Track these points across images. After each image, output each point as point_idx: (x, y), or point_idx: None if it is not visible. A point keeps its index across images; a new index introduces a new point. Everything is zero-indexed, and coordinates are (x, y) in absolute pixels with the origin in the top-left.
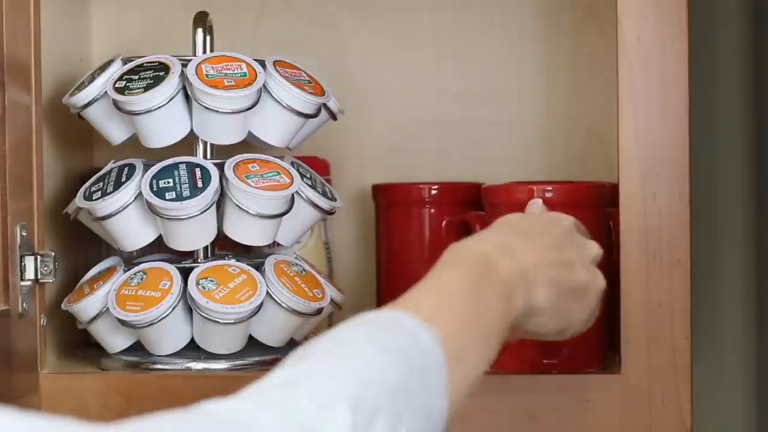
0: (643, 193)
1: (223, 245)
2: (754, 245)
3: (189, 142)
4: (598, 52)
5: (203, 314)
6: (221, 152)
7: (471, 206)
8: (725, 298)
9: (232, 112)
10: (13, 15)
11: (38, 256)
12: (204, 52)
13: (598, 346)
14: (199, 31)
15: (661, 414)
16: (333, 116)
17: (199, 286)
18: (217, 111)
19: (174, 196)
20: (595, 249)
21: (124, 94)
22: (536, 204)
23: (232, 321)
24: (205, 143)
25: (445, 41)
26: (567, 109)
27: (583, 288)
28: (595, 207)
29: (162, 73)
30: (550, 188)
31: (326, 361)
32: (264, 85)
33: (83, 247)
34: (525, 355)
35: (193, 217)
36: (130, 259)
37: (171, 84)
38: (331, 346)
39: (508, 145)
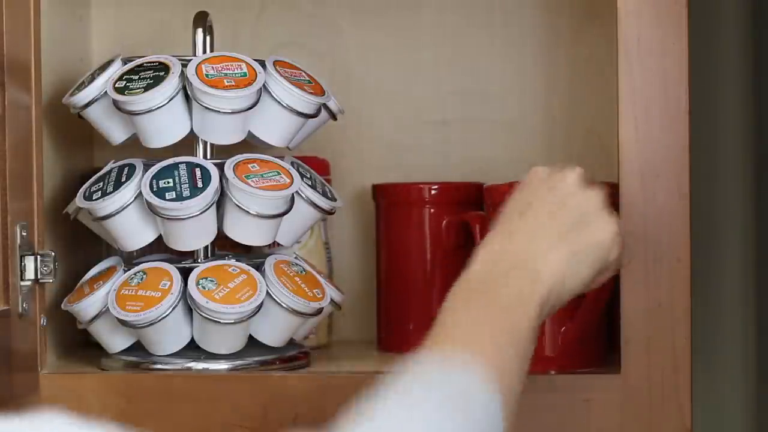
0: (643, 193)
1: (223, 245)
2: (754, 245)
3: (189, 142)
4: (598, 52)
5: (203, 314)
6: (221, 152)
7: (471, 206)
8: (725, 298)
9: (232, 112)
10: (13, 15)
11: (38, 256)
12: (204, 52)
13: (598, 346)
14: (199, 31)
15: (661, 414)
16: (333, 116)
17: (199, 286)
18: (217, 111)
19: (174, 196)
20: (597, 196)
21: (124, 94)
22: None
23: (232, 321)
24: (205, 143)
25: (445, 41)
26: (567, 109)
27: (578, 216)
28: None
29: (162, 73)
30: None
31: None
32: (264, 85)
33: (83, 247)
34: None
35: (193, 217)
36: (130, 259)
37: (171, 84)
38: (391, 406)
39: (508, 145)
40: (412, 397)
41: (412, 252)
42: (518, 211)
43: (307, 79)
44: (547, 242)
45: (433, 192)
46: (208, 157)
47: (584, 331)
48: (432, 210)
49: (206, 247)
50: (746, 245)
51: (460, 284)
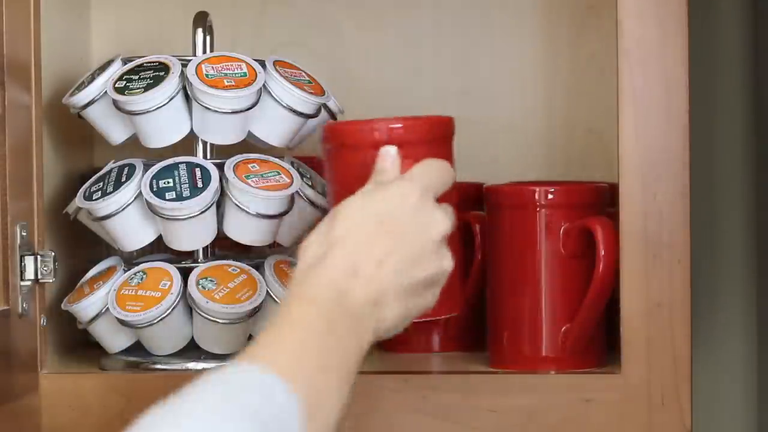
0: (643, 193)
1: (223, 245)
2: (754, 245)
3: (189, 142)
4: (598, 52)
5: (203, 314)
6: (221, 152)
7: (471, 206)
8: (725, 298)
9: (231, 112)
10: (13, 15)
11: (38, 256)
12: (204, 52)
13: (598, 346)
14: (199, 31)
15: (661, 414)
16: (333, 116)
17: (199, 286)
18: (217, 111)
19: (174, 196)
20: (441, 226)
21: (124, 94)
22: (389, 155)
23: (232, 321)
24: (205, 143)
25: (445, 41)
26: (567, 109)
27: (430, 280)
28: (596, 207)
29: (162, 73)
30: (552, 189)
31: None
32: (264, 85)
33: (83, 247)
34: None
35: (193, 217)
36: (130, 259)
37: (171, 84)
38: (182, 412)
39: (508, 145)
40: (186, 394)
41: None
42: (358, 221)
43: (307, 79)
44: (391, 272)
45: None
46: (208, 157)
47: (584, 331)
48: None
49: (206, 247)
50: (746, 245)
51: (309, 285)
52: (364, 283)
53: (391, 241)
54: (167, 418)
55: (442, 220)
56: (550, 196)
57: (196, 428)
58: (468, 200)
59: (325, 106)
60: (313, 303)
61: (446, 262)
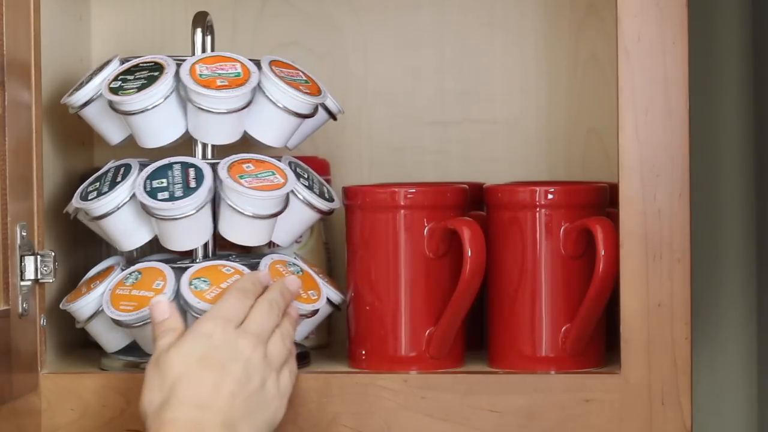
0: (643, 193)
1: (223, 245)
2: (754, 245)
3: (189, 142)
4: (598, 52)
5: (195, 314)
6: (222, 152)
7: (471, 206)
8: (725, 298)
9: (225, 112)
10: (13, 15)
11: (38, 256)
12: (204, 51)
13: (598, 346)
14: (199, 31)
15: (661, 414)
16: (332, 116)
17: (192, 286)
18: (209, 111)
19: (167, 197)
20: (247, 350)
21: (118, 94)
22: (162, 306)
23: None
24: (204, 143)
25: (445, 41)
26: (567, 110)
27: (274, 405)
28: (596, 207)
29: (156, 73)
30: (552, 189)
31: None
32: (259, 85)
33: (83, 247)
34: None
35: (186, 216)
36: (131, 259)
37: (165, 84)
38: None
39: (508, 145)
40: None
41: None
42: (196, 376)
43: (304, 79)
44: (232, 413)
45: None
46: (208, 156)
47: (584, 331)
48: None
49: (206, 247)
50: (746, 245)
51: None
52: (212, 413)
53: (215, 373)
54: None
55: (246, 345)
56: (550, 196)
57: None
58: (468, 200)
59: (323, 105)
60: None
61: (284, 385)
